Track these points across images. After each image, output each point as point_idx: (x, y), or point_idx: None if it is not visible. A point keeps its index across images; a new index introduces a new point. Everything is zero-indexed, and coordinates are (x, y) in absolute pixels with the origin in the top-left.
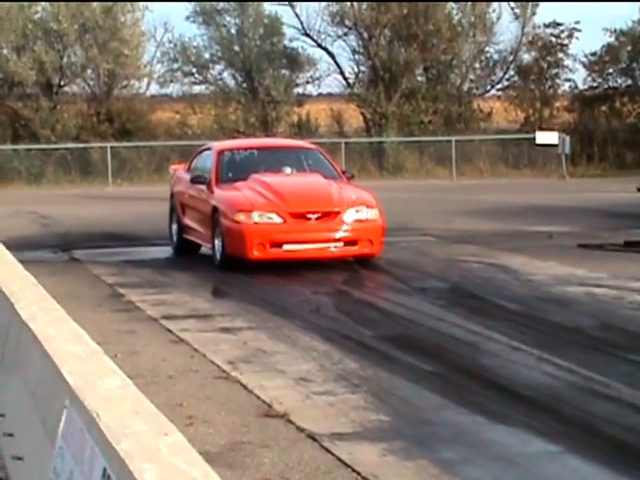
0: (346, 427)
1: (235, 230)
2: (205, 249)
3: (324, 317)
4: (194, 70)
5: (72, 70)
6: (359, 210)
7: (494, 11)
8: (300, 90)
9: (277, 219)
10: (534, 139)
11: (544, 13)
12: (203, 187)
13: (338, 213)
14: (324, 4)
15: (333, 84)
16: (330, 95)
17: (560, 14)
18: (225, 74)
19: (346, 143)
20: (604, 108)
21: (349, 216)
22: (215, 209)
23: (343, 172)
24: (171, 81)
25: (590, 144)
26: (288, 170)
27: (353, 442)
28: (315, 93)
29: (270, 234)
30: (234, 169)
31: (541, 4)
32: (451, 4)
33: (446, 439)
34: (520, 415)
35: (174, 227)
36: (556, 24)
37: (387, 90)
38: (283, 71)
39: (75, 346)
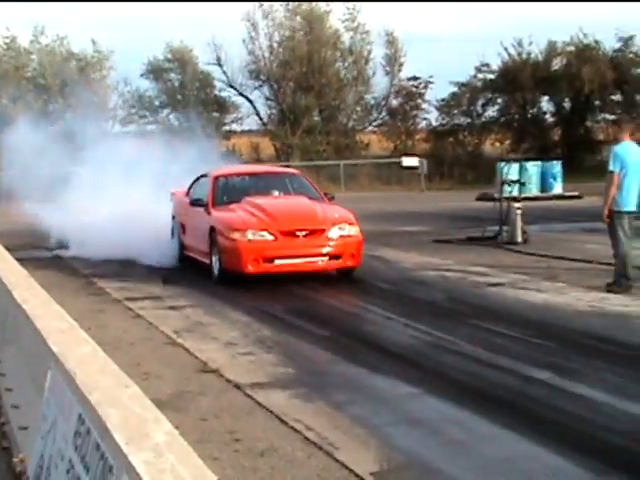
0: (263, 378)
1: (231, 247)
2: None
3: (247, 297)
4: (147, 114)
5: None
6: (342, 227)
7: (371, 68)
8: (227, 128)
9: (269, 237)
10: (400, 163)
11: (408, 70)
12: (201, 209)
13: (323, 230)
14: (244, 63)
15: (252, 123)
16: (250, 131)
17: (419, 70)
18: (171, 117)
19: None
20: (451, 139)
21: (333, 233)
22: (212, 229)
23: (325, 194)
24: (130, 122)
25: (441, 166)
26: (276, 193)
27: (268, 389)
28: (239, 130)
29: (263, 250)
30: (228, 193)
31: (403, 67)
32: (339, 63)
33: (337, 386)
34: (392, 367)
35: (175, 242)
36: (415, 78)
37: (292, 127)
38: (214, 114)
39: (58, 322)
